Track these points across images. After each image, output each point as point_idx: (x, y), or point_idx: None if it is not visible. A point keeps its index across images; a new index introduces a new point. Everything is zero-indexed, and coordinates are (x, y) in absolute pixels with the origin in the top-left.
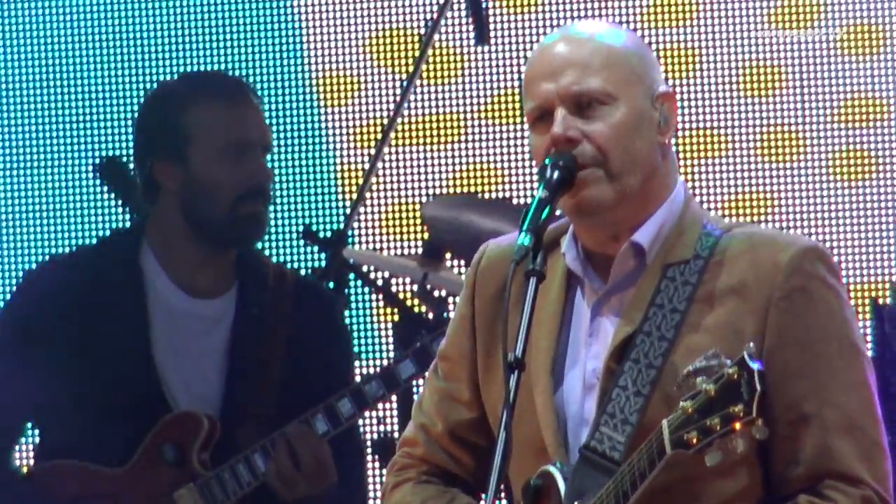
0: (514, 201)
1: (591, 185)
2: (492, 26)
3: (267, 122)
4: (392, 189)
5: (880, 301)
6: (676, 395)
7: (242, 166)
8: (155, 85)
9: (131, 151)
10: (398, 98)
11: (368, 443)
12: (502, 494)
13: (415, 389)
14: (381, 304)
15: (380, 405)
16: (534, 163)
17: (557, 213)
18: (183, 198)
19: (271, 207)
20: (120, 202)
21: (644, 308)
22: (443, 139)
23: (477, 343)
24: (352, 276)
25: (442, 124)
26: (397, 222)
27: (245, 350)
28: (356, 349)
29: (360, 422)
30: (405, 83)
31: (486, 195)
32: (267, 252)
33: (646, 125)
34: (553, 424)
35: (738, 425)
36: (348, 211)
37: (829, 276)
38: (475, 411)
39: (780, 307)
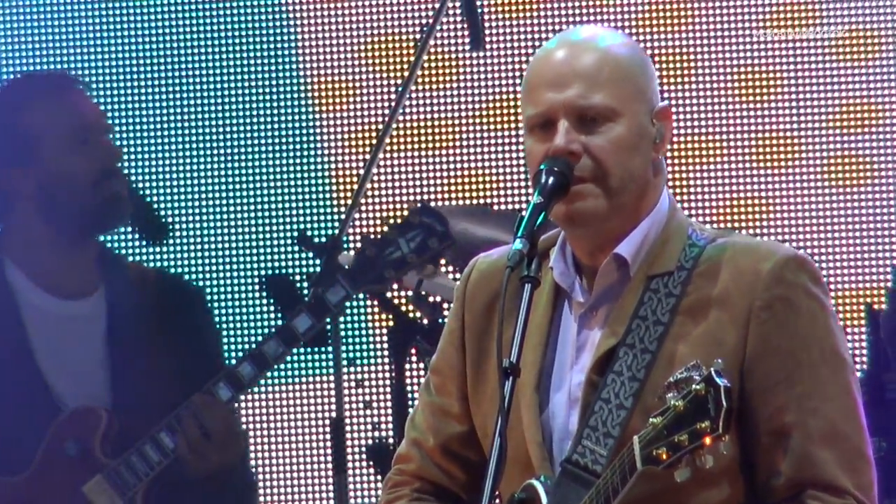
0: (510, 207)
1: (587, 198)
2: (487, 32)
3: (262, 124)
4: (387, 195)
5: (875, 307)
6: (658, 406)
7: (91, 151)
8: (153, 87)
9: (129, 158)
10: (393, 103)
11: (364, 449)
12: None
13: (410, 396)
14: (376, 309)
15: (376, 411)
16: (528, 168)
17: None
18: (40, 198)
19: (266, 213)
20: None
21: (627, 320)
22: (438, 145)
23: (466, 356)
24: None
25: (437, 130)
26: None
27: (124, 344)
28: (351, 354)
29: (356, 428)
30: (400, 89)
31: (481, 201)
32: (263, 257)
33: (644, 142)
34: (538, 438)
35: (706, 441)
36: (343, 217)
37: (812, 285)
38: (466, 425)
39: (761, 317)
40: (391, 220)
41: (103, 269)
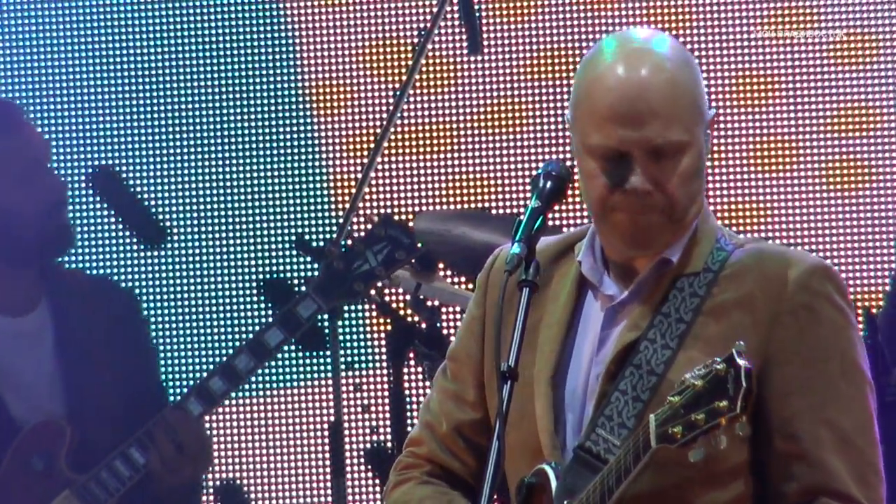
0: (509, 210)
1: (654, 229)
2: (485, 36)
3: (260, 128)
4: (385, 199)
5: (874, 312)
6: None
7: (39, 183)
8: (151, 92)
9: (127, 161)
10: (391, 107)
11: (362, 453)
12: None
13: (408, 400)
14: (374, 313)
15: (374, 415)
16: (582, 186)
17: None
18: None
19: (264, 217)
20: (112, 212)
21: (650, 316)
22: (436, 149)
23: (485, 345)
24: None
25: (435, 134)
26: None
27: (73, 355)
28: (349, 358)
29: (354, 432)
30: (398, 93)
31: (479, 205)
32: (260, 262)
33: (704, 160)
34: (549, 427)
35: (722, 421)
36: (341, 221)
37: (837, 296)
38: (479, 412)
39: (784, 322)
40: (356, 233)
41: (45, 282)
